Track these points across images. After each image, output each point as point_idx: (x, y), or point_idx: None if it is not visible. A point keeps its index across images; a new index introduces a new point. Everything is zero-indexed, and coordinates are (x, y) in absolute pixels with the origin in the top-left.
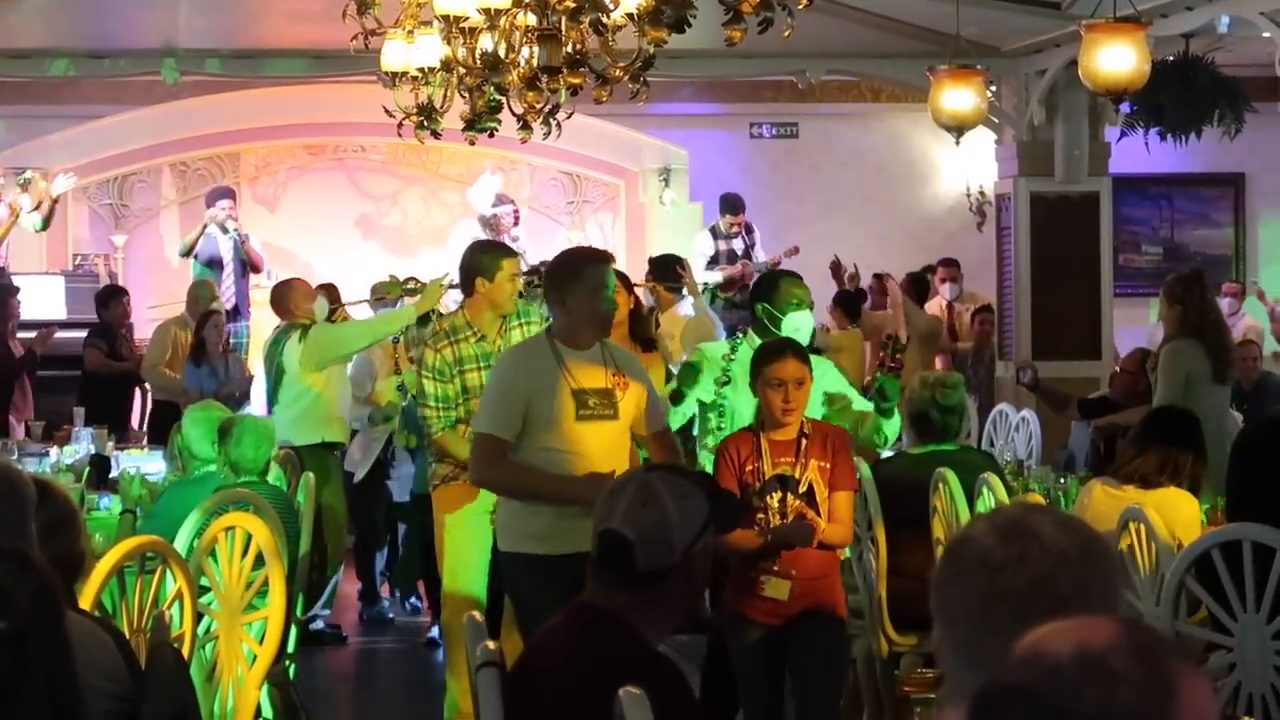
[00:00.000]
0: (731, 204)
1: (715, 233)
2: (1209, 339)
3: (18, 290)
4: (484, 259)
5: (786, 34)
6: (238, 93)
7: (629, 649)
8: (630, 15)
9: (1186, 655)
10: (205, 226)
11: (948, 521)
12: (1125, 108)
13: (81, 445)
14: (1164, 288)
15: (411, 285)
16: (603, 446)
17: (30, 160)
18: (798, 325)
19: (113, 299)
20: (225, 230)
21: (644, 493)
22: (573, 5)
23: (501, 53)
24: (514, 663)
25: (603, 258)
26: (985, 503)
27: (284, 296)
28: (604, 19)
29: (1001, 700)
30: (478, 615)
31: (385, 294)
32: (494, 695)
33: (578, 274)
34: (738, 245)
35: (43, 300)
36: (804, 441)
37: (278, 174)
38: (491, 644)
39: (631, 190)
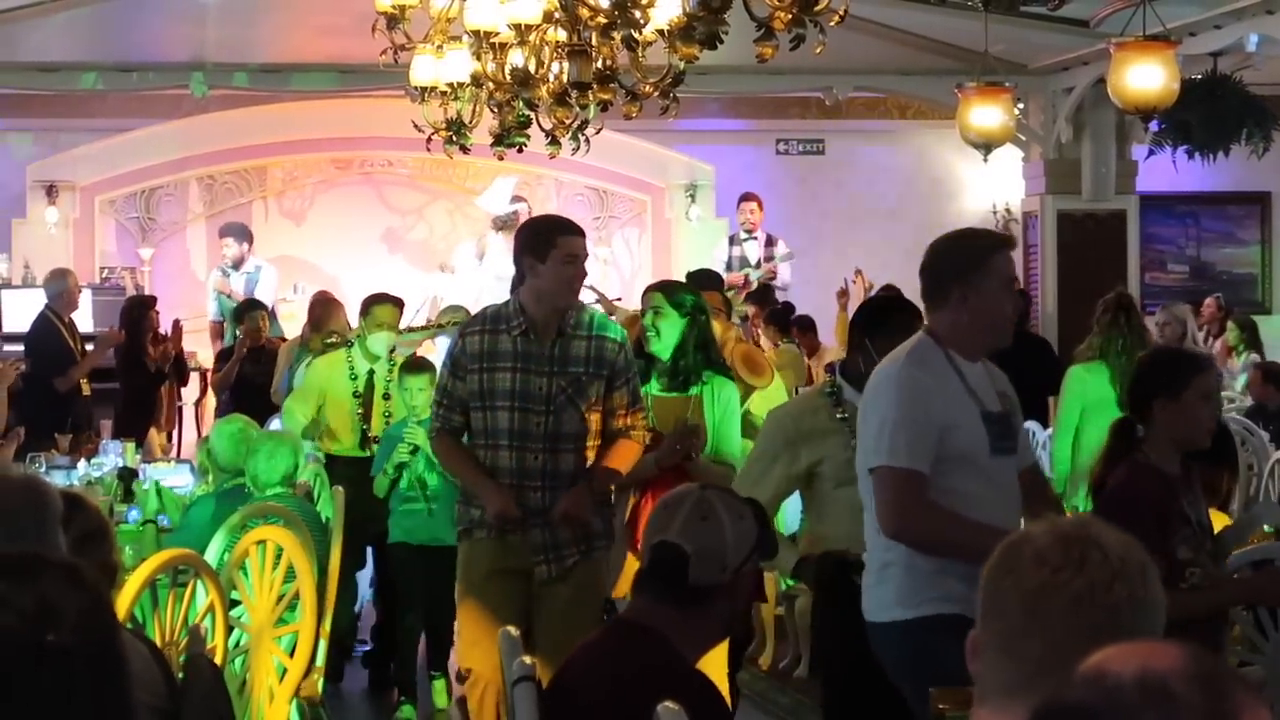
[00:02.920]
0: (743, 195)
1: (732, 240)
2: (1115, 365)
3: (154, 301)
4: (535, 236)
5: (819, 50)
6: (265, 106)
7: (667, 665)
8: (660, 31)
9: (1249, 687)
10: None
11: None
12: (1153, 126)
13: (108, 458)
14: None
15: (333, 340)
16: (1009, 488)
17: (57, 174)
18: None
19: (246, 313)
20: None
21: (702, 508)
22: (605, 21)
23: (531, 68)
24: (551, 678)
25: (1008, 243)
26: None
27: (324, 311)
28: (636, 35)
29: (1061, 718)
30: (513, 630)
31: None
32: (530, 710)
33: (982, 262)
34: (751, 251)
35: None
36: (1191, 473)
37: (304, 188)
38: (528, 659)
39: (658, 206)
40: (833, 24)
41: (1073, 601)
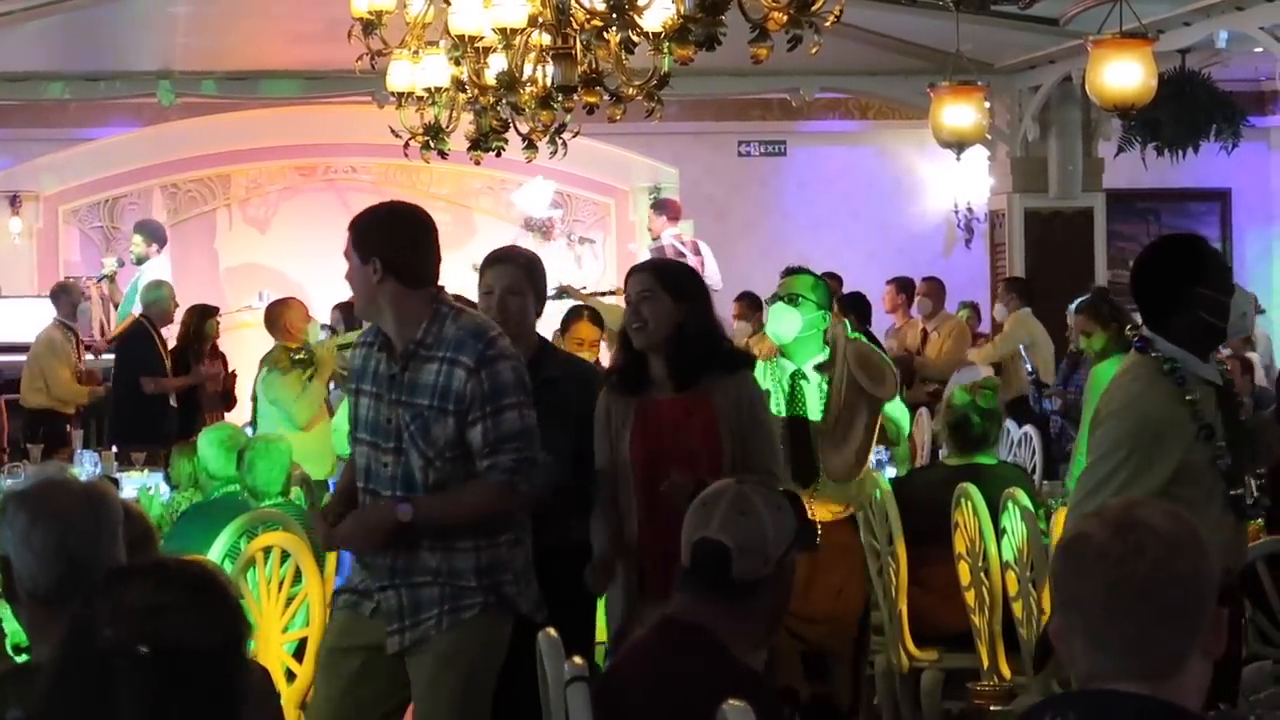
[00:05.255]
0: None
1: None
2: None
3: (216, 311)
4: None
5: (814, 51)
6: (229, 114)
7: (720, 664)
8: (645, 34)
9: None
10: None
11: (969, 537)
12: (1117, 124)
13: (85, 467)
14: (1090, 311)
15: (301, 356)
16: None
17: (21, 184)
18: (775, 318)
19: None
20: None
21: (741, 503)
22: (600, 24)
23: (515, 72)
24: (600, 679)
25: None
26: (1010, 517)
27: (279, 316)
28: (634, 36)
29: None
30: (552, 631)
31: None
32: (585, 711)
33: None
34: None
35: (34, 323)
36: None
37: (268, 195)
38: (579, 660)
39: (622, 209)
40: (828, 25)
41: (1142, 586)
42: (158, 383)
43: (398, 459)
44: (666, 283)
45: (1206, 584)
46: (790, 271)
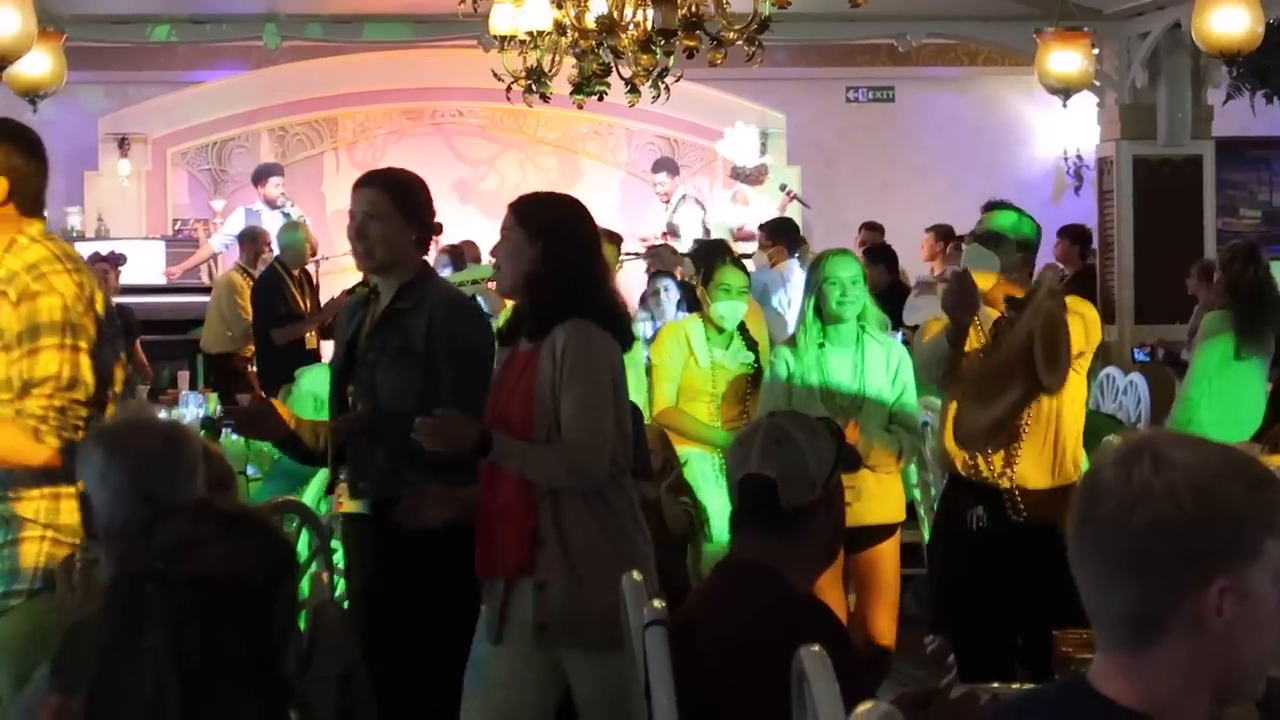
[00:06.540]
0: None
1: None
2: (1240, 311)
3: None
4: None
5: None
6: (336, 58)
7: (783, 597)
8: None
9: None
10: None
11: None
12: (1226, 70)
13: (189, 409)
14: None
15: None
16: None
17: (129, 126)
18: (971, 263)
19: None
20: (275, 206)
21: (775, 434)
22: None
23: (616, 15)
24: (673, 622)
25: None
26: None
27: (460, 256)
28: None
29: None
30: (636, 575)
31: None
32: (663, 652)
33: None
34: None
35: (143, 266)
36: None
37: (375, 139)
38: (658, 602)
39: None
40: None
41: (1099, 533)
42: (285, 332)
43: None
44: (522, 218)
45: (1200, 536)
46: (991, 206)
